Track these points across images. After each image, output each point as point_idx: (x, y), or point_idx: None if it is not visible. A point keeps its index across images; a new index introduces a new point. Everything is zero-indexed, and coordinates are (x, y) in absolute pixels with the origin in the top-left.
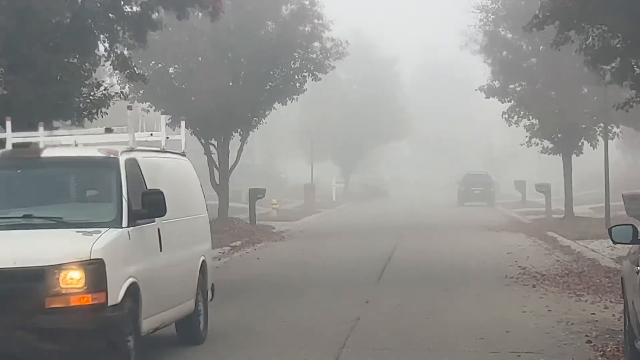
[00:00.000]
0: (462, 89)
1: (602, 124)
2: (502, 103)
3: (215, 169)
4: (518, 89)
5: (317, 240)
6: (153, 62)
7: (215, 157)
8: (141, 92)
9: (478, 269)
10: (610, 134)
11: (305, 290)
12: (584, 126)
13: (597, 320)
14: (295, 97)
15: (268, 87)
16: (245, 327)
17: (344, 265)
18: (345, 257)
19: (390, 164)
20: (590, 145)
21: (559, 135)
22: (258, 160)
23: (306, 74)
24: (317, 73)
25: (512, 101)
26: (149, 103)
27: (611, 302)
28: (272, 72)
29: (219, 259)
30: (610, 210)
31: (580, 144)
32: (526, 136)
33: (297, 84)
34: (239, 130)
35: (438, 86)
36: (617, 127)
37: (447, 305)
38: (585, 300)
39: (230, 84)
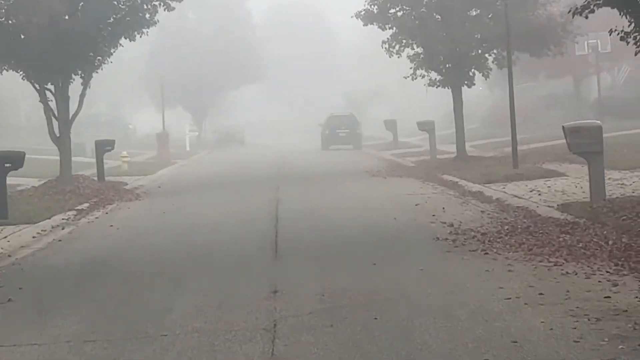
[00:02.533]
0: (319, 27)
1: (495, 51)
2: (383, 30)
3: (53, 119)
4: (400, 13)
5: (179, 197)
6: None
7: (53, 105)
8: None
9: (394, 229)
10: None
11: (183, 275)
12: (474, 54)
13: (626, 310)
14: (145, 30)
15: (112, 19)
16: (99, 350)
17: (224, 233)
18: (221, 220)
19: (244, 109)
20: (482, 75)
21: (448, 65)
22: (103, 109)
23: (157, 3)
24: (169, 2)
25: (394, 28)
26: None
27: (608, 273)
28: (115, 2)
29: (62, 228)
30: (483, 146)
31: (471, 73)
32: (410, 67)
33: (147, 15)
34: (79, 72)
35: (292, 25)
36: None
37: (394, 291)
38: (576, 274)
39: (67, 17)
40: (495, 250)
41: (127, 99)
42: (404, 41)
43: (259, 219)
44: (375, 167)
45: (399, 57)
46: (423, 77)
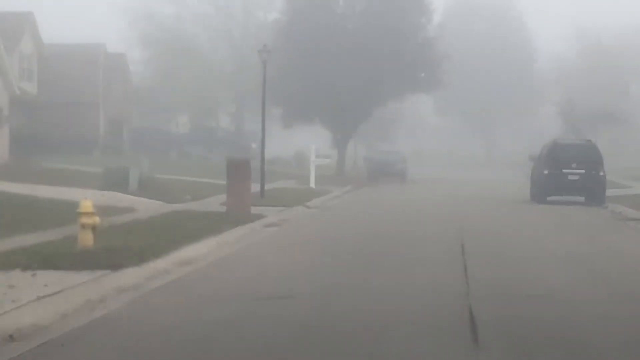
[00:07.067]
0: (514, 24)
1: None
2: None
3: None
4: None
5: None
6: None
7: None
8: None
9: None
10: None
11: None
12: None
13: None
14: None
15: None
16: None
17: None
18: None
19: (406, 130)
20: None
21: None
22: (224, 122)
23: None
24: None
25: None
26: None
27: None
28: None
29: None
30: None
31: None
32: None
33: None
34: None
35: (479, 19)
36: None
37: None
38: None
39: None
40: None
41: (251, 111)
42: None
43: None
44: None
45: None
46: None
